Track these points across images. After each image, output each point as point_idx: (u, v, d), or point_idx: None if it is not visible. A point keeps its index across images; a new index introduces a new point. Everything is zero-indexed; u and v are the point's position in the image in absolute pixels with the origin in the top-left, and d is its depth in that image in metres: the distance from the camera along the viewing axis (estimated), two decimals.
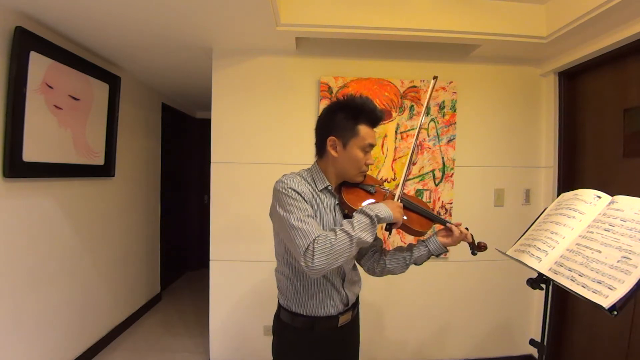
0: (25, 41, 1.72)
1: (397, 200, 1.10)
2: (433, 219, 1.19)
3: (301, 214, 0.99)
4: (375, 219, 0.98)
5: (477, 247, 1.20)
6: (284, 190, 1.02)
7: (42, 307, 1.94)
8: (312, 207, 1.04)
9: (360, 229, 0.95)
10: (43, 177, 1.94)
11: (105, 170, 2.49)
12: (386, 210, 1.00)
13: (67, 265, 2.15)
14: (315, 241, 0.94)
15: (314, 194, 1.07)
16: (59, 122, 2.00)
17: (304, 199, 1.01)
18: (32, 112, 1.78)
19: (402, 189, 1.12)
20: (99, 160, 2.42)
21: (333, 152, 1.08)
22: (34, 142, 1.81)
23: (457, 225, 1.16)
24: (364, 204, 1.10)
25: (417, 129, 1.18)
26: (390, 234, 1.03)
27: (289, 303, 1.12)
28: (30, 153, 1.79)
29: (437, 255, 1.19)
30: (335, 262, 0.94)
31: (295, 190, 1.01)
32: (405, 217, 1.14)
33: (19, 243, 1.79)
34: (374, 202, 1.05)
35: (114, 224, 2.68)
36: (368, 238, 0.97)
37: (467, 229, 1.19)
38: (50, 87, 1.91)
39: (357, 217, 0.98)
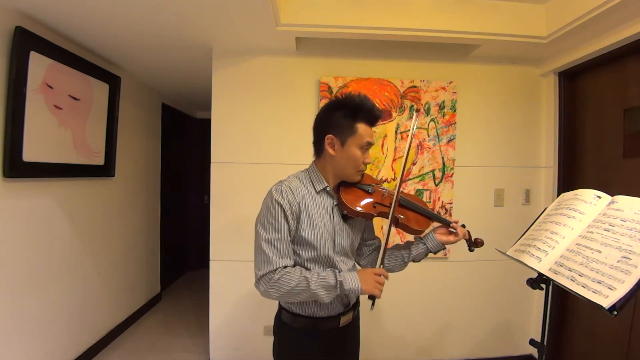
0: (25, 41, 1.72)
1: (392, 210, 1.08)
2: (431, 217, 1.20)
3: (274, 235, 1.00)
4: (339, 285, 0.99)
5: (474, 244, 1.21)
6: (269, 203, 1.03)
7: (42, 307, 1.94)
8: (298, 216, 1.03)
9: (320, 286, 0.98)
10: (43, 177, 1.93)
11: (105, 170, 2.49)
12: (355, 281, 1.00)
13: (67, 265, 2.15)
14: (277, 272, 0.98)
15: (309, 196, 1.06)
16: (59, 122, 2.00)
17: (286, 215, 1.01)
18: (32, 112, 1.78)
19: (397, 197, 1.10)
20: (99, 160, 2.42)
21: (331, 151, 1.07)
22: (34, 142, 1.81)
23: (455, 222, 1.18)
24: (362, 203, 1.10)
25: (403, 172, 1.15)
26: (372, 305, 1.03)
27: (290, 304, 1.11)
28: (30, 153, 1.79)
29: (435, 252, 1.20)
30: (285, 299, 1.01)
31: (279, 205, 1.01)
32: (402, 216, 1.14)
33: (19, 243, 1.79)
34: (353, 271, 1.05)
35: (114, 224, 2.68)
36: (324, 297, 0.99)
37: (463, 225, 1.20)
38: (50, 87, 1.91)
39: (326, 274, 1.01)
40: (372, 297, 1.03)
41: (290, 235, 1.03)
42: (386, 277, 1.05)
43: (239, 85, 2.24)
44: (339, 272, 1.03)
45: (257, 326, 2.27)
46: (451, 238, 1.17)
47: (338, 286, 0.99)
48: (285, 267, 1.00)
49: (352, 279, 1.00)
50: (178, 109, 3.97)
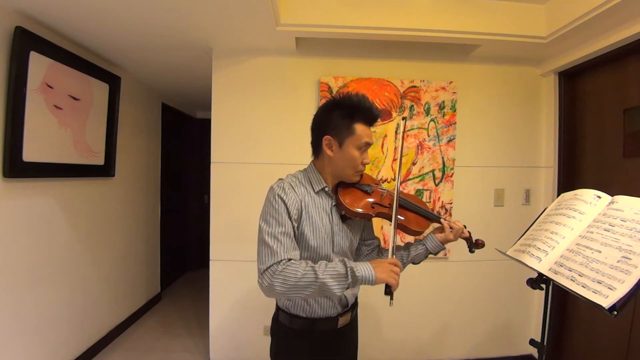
0: (25, 41, 1.72)
1: (395, 212, 1.07)
2: (431, 218, 1.19)
3: (277, 229, 0.97)
4: (349, 273, 0.91)
5: (474, 245, 1.20)
6: (271, 198, 1.01)
7: (42, 307, 1.94)
8: (299, 215, 1.02)
9: (329, 275, 0.90)
10: (43, 177, 1.93)
11: (105, 170, 2.49)
12: (368, 269, 0.92)
13: (67, 265, 2.15)
14: (281, 264, 0.92)
15: (309, 196, 1.06)
16: (59, 122, 2.00)
17: (289, 210, 0.99)
18: (32, 112, 1.78)
19: (397, 201, 1.10)
20: (99, 160, 2.42)
21: (329, 152, 1.06)
22: (34, 142, 1.81)
23: (455, 222, 1.17)
24: (360, 204, 1.09)
25: (397, 185, 1.13)
26: (391, 300, 0.96)
27: (287, 305, 1.11)
28: (30, 153, 1.79)
29: (435, 254, 1.19)
30: (291, 294, 0.92)
31: (282, 201, 0.99)
32: (402, 217, 1.14)
33: (19, 243, 1.79)
34: (368, 262, 0.96)
35: (114, 224, 2.68)
36: (335, 288, 0.91)
37: (464, 226, 1.19)
38: (50, 87, 1.91)
39: (334, 263, 0.95)
40: (388, 291, 0.95)
41: (293, 231, 1.00)
42: (400, 268, 0.98)
43: (239, 85, 2.24)
44: (348, 260, 0.96)
45: (257, 326, 2.27)
46: (450, 236, 1.15)
47: (349, 273, 0.91)
48: (290, 259, 0.94)
49: (365, 267, 0.93)
50: (178, 109, 3.97)
